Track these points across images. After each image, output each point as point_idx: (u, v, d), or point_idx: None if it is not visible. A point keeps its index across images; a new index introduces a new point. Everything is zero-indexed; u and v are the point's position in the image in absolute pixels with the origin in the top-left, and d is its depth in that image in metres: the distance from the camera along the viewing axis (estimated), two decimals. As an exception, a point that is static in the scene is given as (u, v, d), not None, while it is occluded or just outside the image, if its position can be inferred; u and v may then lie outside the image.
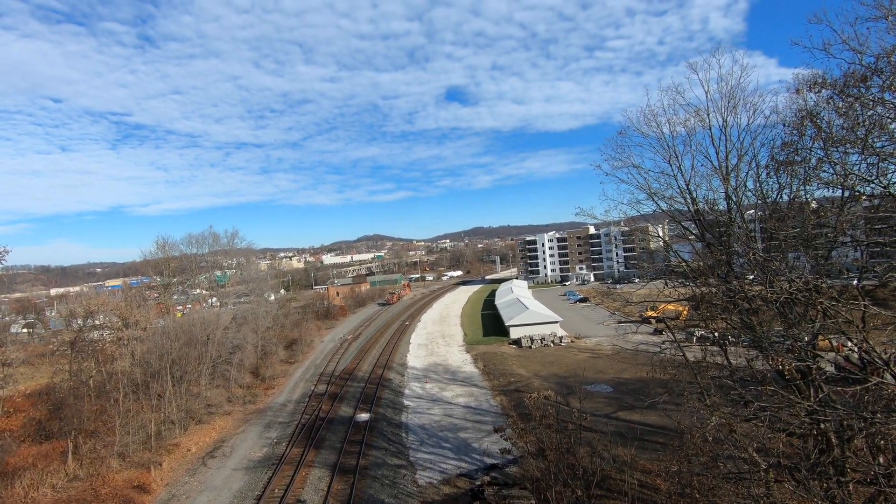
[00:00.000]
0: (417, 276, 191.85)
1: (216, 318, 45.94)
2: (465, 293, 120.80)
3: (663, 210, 16.24)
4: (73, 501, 24.04)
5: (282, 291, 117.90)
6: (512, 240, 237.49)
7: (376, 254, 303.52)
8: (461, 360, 49.71)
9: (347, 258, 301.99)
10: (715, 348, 13.02)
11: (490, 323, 69.84)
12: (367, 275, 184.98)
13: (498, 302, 77.71)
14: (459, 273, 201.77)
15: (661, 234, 18.91)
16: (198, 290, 66.40)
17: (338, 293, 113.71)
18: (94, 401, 34.15)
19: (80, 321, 39.37)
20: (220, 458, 29.00)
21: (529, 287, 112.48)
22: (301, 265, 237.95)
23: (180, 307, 64.18)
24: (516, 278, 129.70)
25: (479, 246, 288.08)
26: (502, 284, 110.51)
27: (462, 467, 24.65)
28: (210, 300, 64.39)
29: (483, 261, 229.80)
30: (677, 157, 15.54)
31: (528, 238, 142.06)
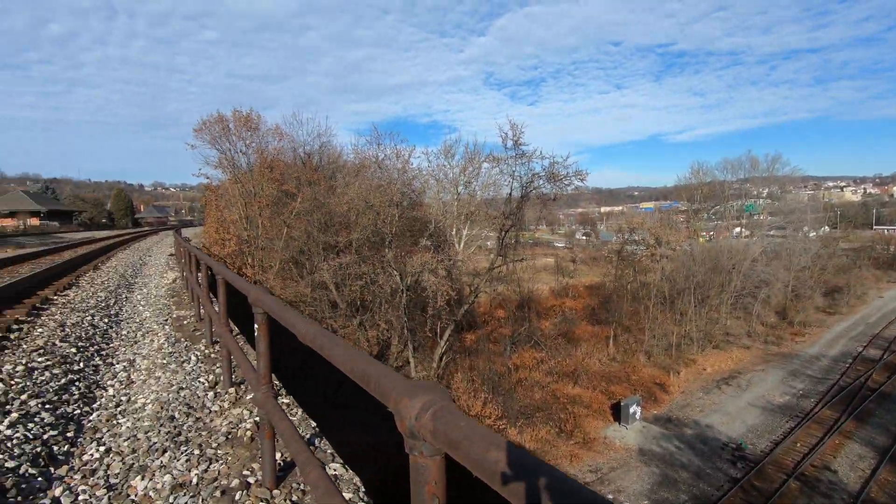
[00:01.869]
0: None
1: (744, 248, 44.00)
2: None
3: None
4: (612, 376, 30.13)
5: (825, 228, 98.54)
6: None
7: None
8: None
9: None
10: None
11: None
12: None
13: None
14: None
15: None
16: (733, 221, 64.95)
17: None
18: (629, 303, 40.63)
19: (623, 235, 46.80)
20: (735, 388, 28.80)
21: None
22: (856, 197, 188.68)
23: (704, 233, 64.96)
24: None
25: None
26: None
27: None
28: (736, 229, 61.92)
29: None
30: None
31: None
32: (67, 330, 6.47)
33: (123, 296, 10.27)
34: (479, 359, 33.57)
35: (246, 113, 34.56)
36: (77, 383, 4.76)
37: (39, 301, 7.95)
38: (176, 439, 3.57)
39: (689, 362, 33.04)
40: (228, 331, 4.26)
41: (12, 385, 4.26)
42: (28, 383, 4.39)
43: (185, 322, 7.60)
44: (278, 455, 3.05)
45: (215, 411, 4.04)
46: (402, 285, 26.77)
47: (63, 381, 4.68)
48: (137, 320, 8.13)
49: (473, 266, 37.77)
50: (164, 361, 5.52)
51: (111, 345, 6.50)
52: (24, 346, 5.46)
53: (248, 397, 4.27)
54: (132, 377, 5.25)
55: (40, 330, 6.30)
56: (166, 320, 7.87)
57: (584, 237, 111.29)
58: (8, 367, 4.70)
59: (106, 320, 7.65)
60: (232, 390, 4.43)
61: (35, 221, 71.03)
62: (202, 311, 7.92)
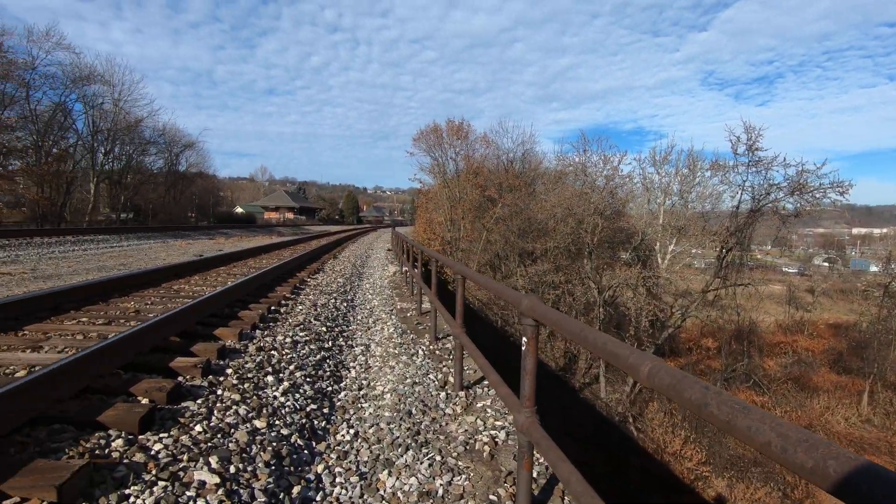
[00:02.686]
0: None
1: None
2: None
3: None
4: (864, 442, 23.66)
5: None
6: None
7: None
8: None
9: None
10: None
11: None
12: None
13: None
14: None
15: None
16: None
17: None
18: (899, 353, 31.48)
19: (893, 265, 36.56)
20: None
21: None
22: None
23: None
24: None
25: None
26: None
27: None
28: None
29: None
30: None
31: None
32: (318, 310, 7.38)
33: (356, 283, 11.59)
34: (680, 391, 29.54)
35: (458, 122, 36.96)
36: (328, 361, 5.27)
37: (298, 282, 9.38)
38: (416, 438, 3.55)
39: None
40: (464, 332, 4.15)
41: (284, 355, 4.86)
42: (294, 355, 4.97)
43: (408, 314, 8.07)
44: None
45: (449, 415, 3.96)
46: (600, 299, 25.27)
47: (318, 357, 5.22)
48: (368, 307, 8.98)
49: (677, 286, 33.82)
50: (395, 352, 5.80)
51: (350, 327, 7.21)
52: (290, 321, 6.34)
53: (479, 405, 4.11)
54: (369, 362, 5.63)
55: (300, 307, 7.32)
56: (392, 310, 8.49)
57: (825, 263, 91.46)
58: (280, 337, 5.44)
59: (345, 304, 8.60)
60: (462, 394, 4.33)
61: (290, 215, 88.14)
62: (424, 304, 8.33)
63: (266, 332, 5.53)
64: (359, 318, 8.01)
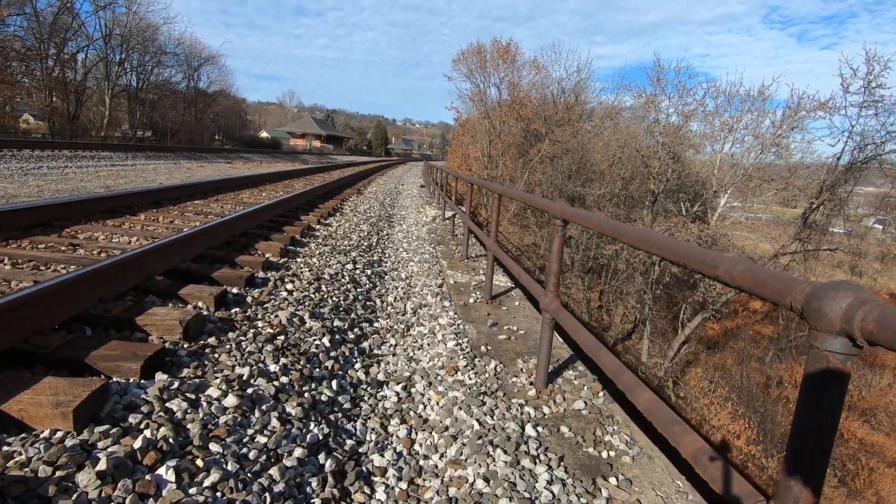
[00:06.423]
0: None
1: None
2: None
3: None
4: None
5: None
6: None
7: None
8: None
9: None
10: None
11: None
12: None
13: None
14: None
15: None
16: None
17: None
18: None
19: None
20: None
21: None
22: None
23: None
24: None
25: None
26: None
27: None
28: None
29: None
30: None
31: None
32: (323, 289, 4.28)
33: (385, 232, 8.45)
34: (727, 356, 26.77)
35: (505, 43, 32.19)
36: (323, 454, 2.20)
37: (300, 232, 6.18)
38: None
39: None
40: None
41: (196, 484, 1.78)
42: (229, 479, 1.89)
43: (471, 301, 4.90)
44: None
45: None
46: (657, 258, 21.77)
47: (301, 449, 2.15)
48: (404, 276, 5.87)
49: (735, 246, 30.01)
50: (474, 423, 2.67)
51: (375, 325, 4.14)
52: (260, 325, 3.23)
53: None
54: (415, 444, 2.56)
55: (290, 286, 4.18)
56: (441, 286, 5.38)
57: (877, 226, 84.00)
58: (213, 391, 2.33)
59: (368, 272, 5.49)
60: None
61: (318, 143, 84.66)
62: (497, 281, 5.15)
63: (189, 370, 2.44)
64: (390, 299, 4.91)
